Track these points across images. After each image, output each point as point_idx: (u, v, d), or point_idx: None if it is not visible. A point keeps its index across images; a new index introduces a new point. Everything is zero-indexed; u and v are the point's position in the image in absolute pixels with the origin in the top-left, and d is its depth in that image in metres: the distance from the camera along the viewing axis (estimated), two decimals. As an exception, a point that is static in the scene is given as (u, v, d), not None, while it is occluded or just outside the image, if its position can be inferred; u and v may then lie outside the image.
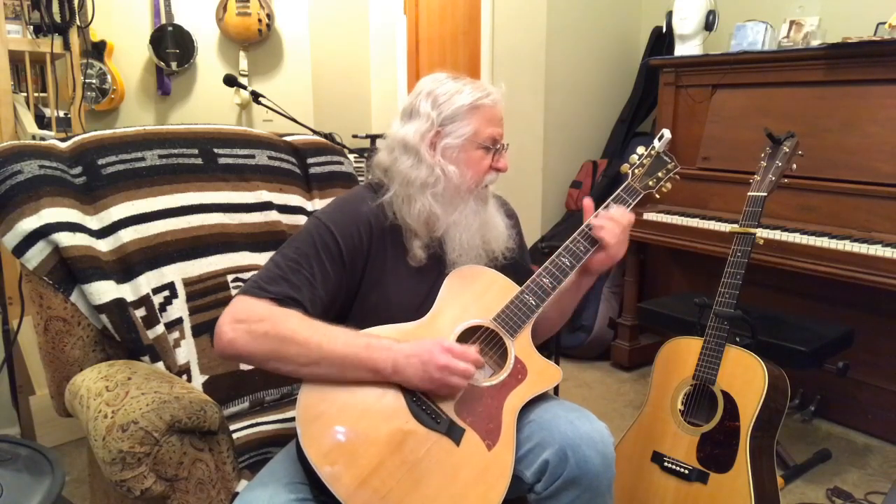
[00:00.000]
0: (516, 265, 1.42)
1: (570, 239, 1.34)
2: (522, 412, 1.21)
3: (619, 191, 1.42)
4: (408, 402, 1.15)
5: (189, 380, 1.49)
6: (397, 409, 1.15)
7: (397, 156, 1.30)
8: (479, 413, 1.17)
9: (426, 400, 1.16)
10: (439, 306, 1.27)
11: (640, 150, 1.48)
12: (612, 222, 1.33)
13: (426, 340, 1.18)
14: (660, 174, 1.46)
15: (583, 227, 1.35)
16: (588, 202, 1.38)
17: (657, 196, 1.48)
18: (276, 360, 1.15)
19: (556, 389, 2.22)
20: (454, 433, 1.14)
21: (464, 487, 1.11)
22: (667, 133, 1.46)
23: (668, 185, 1.47)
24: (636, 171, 1.45)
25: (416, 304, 1.29)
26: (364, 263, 1.30)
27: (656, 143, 1.47)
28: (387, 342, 1.17)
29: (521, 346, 1.26)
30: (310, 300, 1.21)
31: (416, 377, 1.13)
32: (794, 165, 1.79)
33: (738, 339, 1.72)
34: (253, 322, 1.15)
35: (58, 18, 2.72)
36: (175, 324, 1.51)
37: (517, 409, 1.20)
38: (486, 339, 1.26)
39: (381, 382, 1.16)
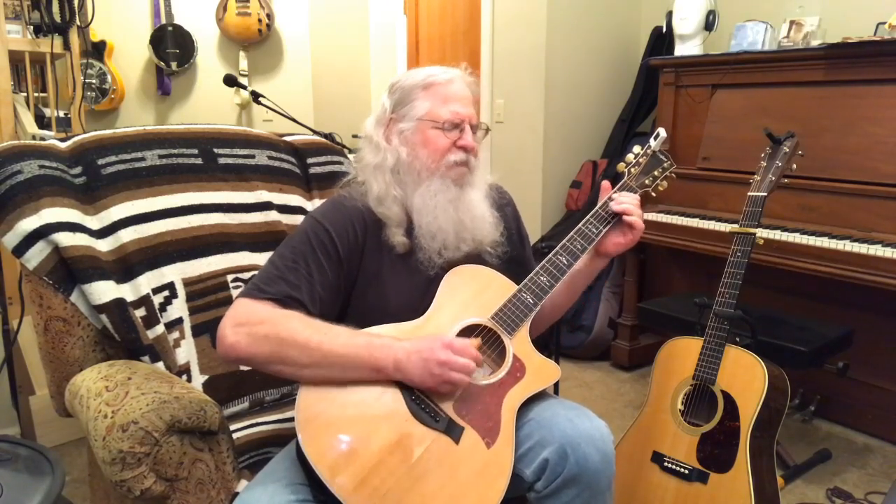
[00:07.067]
0: (518, 259, 1.41)
1: (567, 237, 1.33)
2: (522, 411, 1.21)
3: (614, 189, 1.41)
4: (407, 400, 1.15)
5: (189, 380, 1.49)
6: (396, 407, 1.15)
7: (362, 148, 1.37)
8: (478, 411, 1.17)
9: (425, 398, 1.16)
10: (437, 305, 1.27)
11: (637, 149, 1.47)
12: (622, 197, 1.36)
13: (426, 337, 1.18)
14: (656, 173, 1.45)
15: (580, 225, 1.35)
16: (606, 183, 1.41)
17: (653, 195, 1.47)
18: (277, 362, 1.16)
19: (556, 389, 2.23)
20: (453, 431, 1.14)
21: (463, 485, 1.11)
22: (662, 132, 1.46)
23: (665, 183, 1.47)
24: (632, 169, 1.45)
25: (414, 303, 1.28)
26: (360, 260, 1.30)
27: (652, 142, 1.46)
28: (387, 340, 1.17)
29: (519, 344, 1.26)
30: (309, 298, 1.21)
31: (417, 374, 1.13)
32: (794, 165, 1.79)
33: (738, 339, 1.72)
34: (254, 325, 1.16)
35: (58, 18, 2.72)
36: (175, 324, 1.51)
37: (516, 406, 1.20)
38: (484, 338, 1.26)
39: (380, 381, 1.16)
